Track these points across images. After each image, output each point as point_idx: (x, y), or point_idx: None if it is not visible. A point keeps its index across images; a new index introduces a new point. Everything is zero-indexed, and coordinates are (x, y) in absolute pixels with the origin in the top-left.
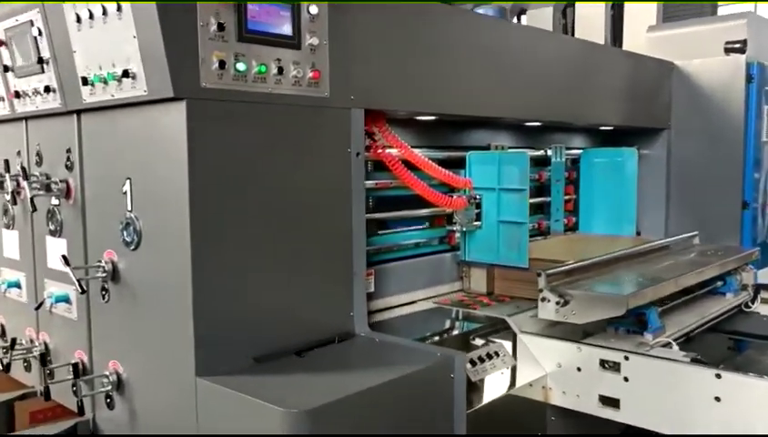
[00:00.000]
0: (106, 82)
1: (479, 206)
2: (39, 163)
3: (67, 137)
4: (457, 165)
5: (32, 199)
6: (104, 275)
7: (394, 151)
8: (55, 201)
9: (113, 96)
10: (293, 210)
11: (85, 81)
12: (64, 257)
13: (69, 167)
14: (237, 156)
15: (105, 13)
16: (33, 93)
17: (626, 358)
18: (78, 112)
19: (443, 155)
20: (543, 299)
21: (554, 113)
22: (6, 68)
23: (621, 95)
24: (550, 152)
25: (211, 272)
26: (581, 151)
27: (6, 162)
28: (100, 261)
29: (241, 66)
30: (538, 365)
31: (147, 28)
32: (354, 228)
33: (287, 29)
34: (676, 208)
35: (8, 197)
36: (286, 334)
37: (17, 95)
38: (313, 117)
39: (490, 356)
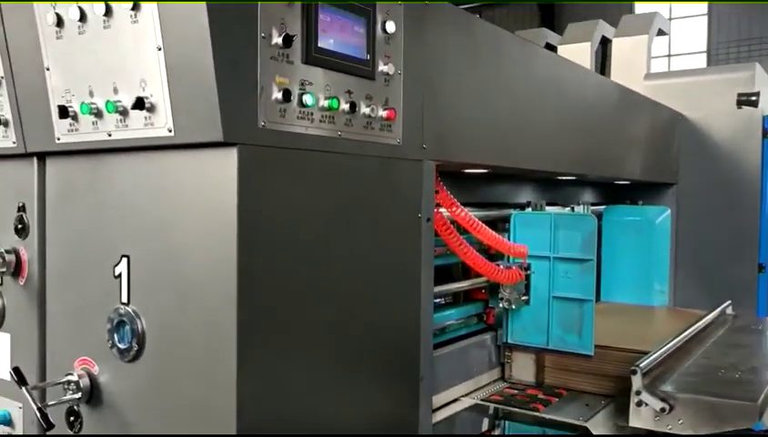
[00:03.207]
0: (98, 115)
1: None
2: None
3: (20, 190)
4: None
5: None
6: (75, 396)
7: (443, 211)
8: None
9: (110, 135)
10: (355, 291)
11: (64, 112)
12: (16, 370)
13: (21, 232)
14: (296, 223)
15: (108, 13)
16: None
17: None
18: (41, 155)
19: (481, 214)
20: (640, 404)
21: (598, 165)
22: None
23: (642, 145)
24: (578, 209)
25: (261, 390)
26: (602, 208)
27: None
28: (70, 374)
29: (309, 99)
30: None
31: (186, 37)
32: (422, 317)
33: (360, 51)
34: (683, 270)
35: None
36: None
37: None
38: (382, 171)
39: None
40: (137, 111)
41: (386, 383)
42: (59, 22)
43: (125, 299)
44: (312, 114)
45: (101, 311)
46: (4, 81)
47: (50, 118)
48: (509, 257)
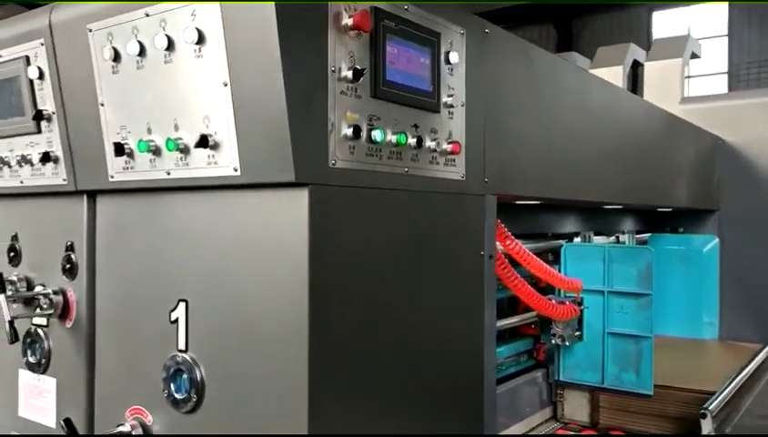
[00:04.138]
0: (156, 152)
1: None
2: (15, 262)
3: (69, 229)
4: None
5: (11, 323)
6: None
7: (497, 244)
8: (39, 321)
9: (168, 173)
10: (422, 334)
11: (119, 149)
12: (67, 422)
13: (69, 272)
14: (365, 265)
15: (170, 47)
16: (18, 161)
17: None
18: (92, 193)
19: (530, 246)
20: None
21: (647, 194)
22: None
23: (686, 171)
24: (623, 238)
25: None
26: (647, 236)
27: None
28: (122, 425)
29: (378, 135)
30: None
31: (255, 72)
32: (486, 359)
33: (426, 83)
34: (728, 300)
35: None
36: None
37: None
38: (446, 208)
39: None
40: (200, 149)
41: (450, 429)
42: (116, 56)
43: (182, 346)
44: (380, 150)
45: (156, 358)
46: (55, 116)
47: (103, 156)
48: (559, 291)
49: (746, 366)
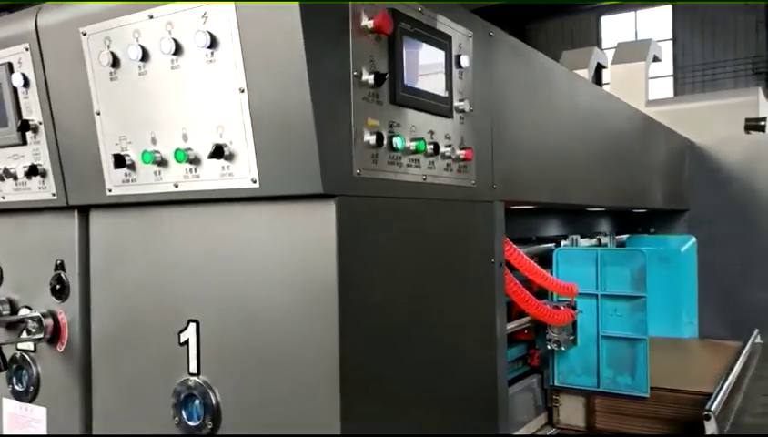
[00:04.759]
0: (162, 164)
1: None
2: None
3: (58, 247)
4: None
5: None
6: None
7: None
8: (26, 346)
9: (176, 186)
10: (443, 345)
11: (120, 161)
12: None
13: (60, 294)
14: (388, 278)
15: (178, 51)
16: (0, 176)
17: None
18: (84, 208)
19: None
20: None
21: (630, 196)
22: None
23: (661, 173)
24: (604, 240)
25: None
26: (624, 238)
27: None
28: None
29: (398, 142)
30: None
31: (276, 77)
32: (498, 366)
33: (441, 88)
34: (701, 299)
35: None
36: None
37: None
38: (460, 216)
39: None
40: (214, 160)
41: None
42: (115, 62)
43: (193, 369)
44: (400, 158)
45: (162, 383)
46: (42, 127)
47: (99, 168)
48: (552, 295)
49: (733, 365)
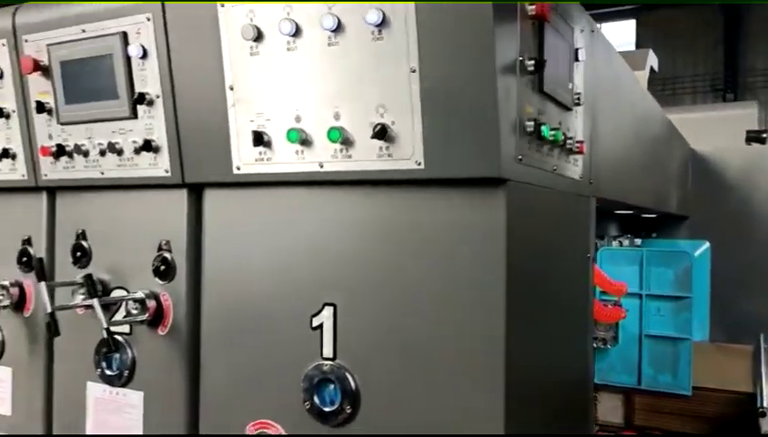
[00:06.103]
0: (306, 143)
1: None
2: (82, 262)
3: (165, 224)
4: None
5: (53, 315)
6: None
7: None
8: (119, 328)
9: (321, 166)
10: (556, 337)
11: (258, 139)
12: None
13: (164, 275)
14: (532, 266)
15: (338, 28)
16: (101, 150)
17: None
18: (197, 186)
19: None
20: None
21: (663, 200)
22: (42, 108)
23: (676, 178)
24: (625, 243)
25: None
26: (639, 242)
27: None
28: None
29: (545, 131)
30: None
31: (454, 57)
32: (588, 360)
33: (566, 79)
34: None
35: None
36: None
37: (60, 151)
38: (570, 208)
39: None
40: (376, 141)
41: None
42: (258, 35)
43: (328, 354)
44: (543, 148)
45: (289, 367)
46: (159, 100)
47: (225, 145)
48: (596, 292)
49: (760, 365)
